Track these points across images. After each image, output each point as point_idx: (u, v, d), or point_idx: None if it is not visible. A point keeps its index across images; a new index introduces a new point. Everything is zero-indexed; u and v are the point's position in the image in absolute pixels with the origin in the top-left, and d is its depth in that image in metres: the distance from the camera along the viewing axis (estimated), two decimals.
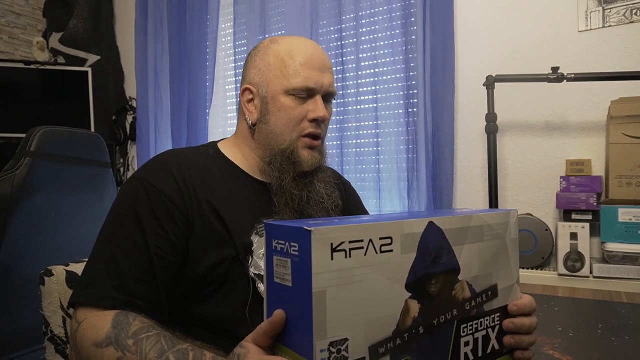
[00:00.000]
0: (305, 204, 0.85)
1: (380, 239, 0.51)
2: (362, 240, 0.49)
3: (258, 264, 0.78)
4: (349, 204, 1.02)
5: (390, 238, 0.52)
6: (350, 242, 0.48)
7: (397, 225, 0.53)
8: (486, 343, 0.63)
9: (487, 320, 0.63)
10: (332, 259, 0.47)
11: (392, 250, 0.52)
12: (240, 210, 0.81)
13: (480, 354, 0.62)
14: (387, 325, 0.51)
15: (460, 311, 0.60)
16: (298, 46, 0.85)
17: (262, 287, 0.76)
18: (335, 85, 0.93)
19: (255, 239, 0.79)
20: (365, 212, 1.07)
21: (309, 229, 0.46)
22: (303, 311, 0.47)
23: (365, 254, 0.50)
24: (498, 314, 0.65)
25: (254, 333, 0.54)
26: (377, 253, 0.51)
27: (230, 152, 0.89)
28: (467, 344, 0.60)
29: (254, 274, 0.77)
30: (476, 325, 0.62)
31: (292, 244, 0.48)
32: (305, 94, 0.84)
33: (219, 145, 0.91)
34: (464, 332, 0.60)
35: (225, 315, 0.75)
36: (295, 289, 0.49)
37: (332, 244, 0.47)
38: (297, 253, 0.48)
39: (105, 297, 0.69)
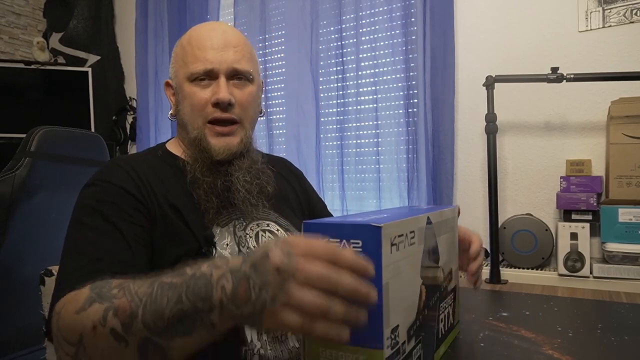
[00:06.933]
0: (225, 192, 0.82)
1: (410, 232, 0.56)
2: (403, 235, 0.53)
3: (223, 254, 0.77)
4: (308, 193, 1.05)
5: (414, 232, 0.57)
6: (398, 236, 0.52)
7: (417, 219, 0.59)
8: (448, 318, 0.73)
9: (449, 298, 0.74)
10: (391, 252, 0.50)
11: (415, 243, 0.57)
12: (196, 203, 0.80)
13: (447, 328, 0.72)
14: (413, 310, 0.57)
15: (440, 292, 0.69)
16: (197, 31, 0.85)
17: None
18: (259, 65, 0.92)
19: (216, 230, 0.79)
20: (322, 202, 1.10)
21: (378, 225, 0.47)
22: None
23: (405, 247, 0.54)
24: (453, 293, 0.77)
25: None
26: (408, 245, 0.55)
27: (177, 149, 0.89)
28: (441, 320, 0.69)
29: None
30: (445, 304, 0.72)
31: (353, 240, 0.49)
32: (206, 77, 0.81)
33: (167, 145, 0.91)
34: (441, 310, 0.69)
35: None
36: None
37: (391, 239, 0.50)
38: (360, 249, 0.48)
39: (80, 279, 0.62)
